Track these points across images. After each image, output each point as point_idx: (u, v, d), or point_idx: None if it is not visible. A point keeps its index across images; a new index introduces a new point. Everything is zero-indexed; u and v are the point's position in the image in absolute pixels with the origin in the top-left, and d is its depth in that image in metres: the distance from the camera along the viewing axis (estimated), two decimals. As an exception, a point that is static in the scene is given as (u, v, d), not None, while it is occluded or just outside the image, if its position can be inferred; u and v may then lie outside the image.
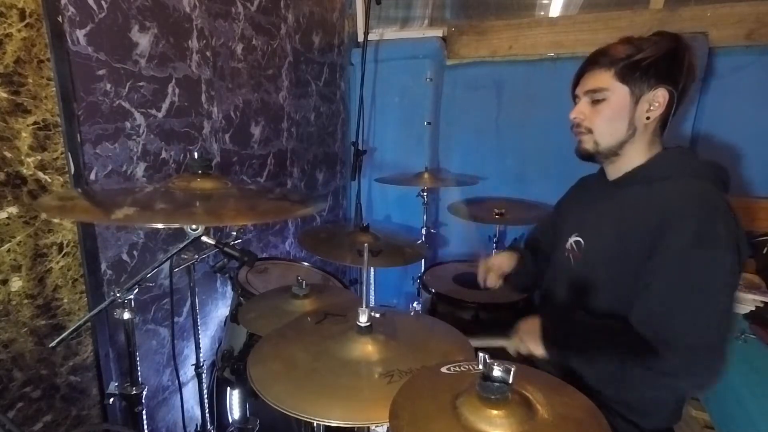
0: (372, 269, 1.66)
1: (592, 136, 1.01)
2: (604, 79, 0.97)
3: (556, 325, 0.99)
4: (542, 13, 2.19)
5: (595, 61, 0.99)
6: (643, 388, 0.92)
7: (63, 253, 1.03)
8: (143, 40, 1.18)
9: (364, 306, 0.86)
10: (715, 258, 0.84)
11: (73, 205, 0.86)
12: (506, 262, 1.29)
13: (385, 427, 0.92)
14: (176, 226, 0.78)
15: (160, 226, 0.82)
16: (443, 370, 0.72)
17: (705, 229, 0.85)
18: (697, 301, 0.85)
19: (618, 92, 0.96)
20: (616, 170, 1.05)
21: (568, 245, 1.11)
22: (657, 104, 0.96)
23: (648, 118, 0.97)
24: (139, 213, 0.79)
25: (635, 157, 1.01)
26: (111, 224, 1.11)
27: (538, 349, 0.97)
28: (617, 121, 0.98)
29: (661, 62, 0.94)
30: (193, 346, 1.38)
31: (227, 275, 1.43)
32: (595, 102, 0.99)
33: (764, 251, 1.58)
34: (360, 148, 2.16)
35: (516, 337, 1.02)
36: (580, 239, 1.07)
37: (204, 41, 1.38)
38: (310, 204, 1.03)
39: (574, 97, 1.06)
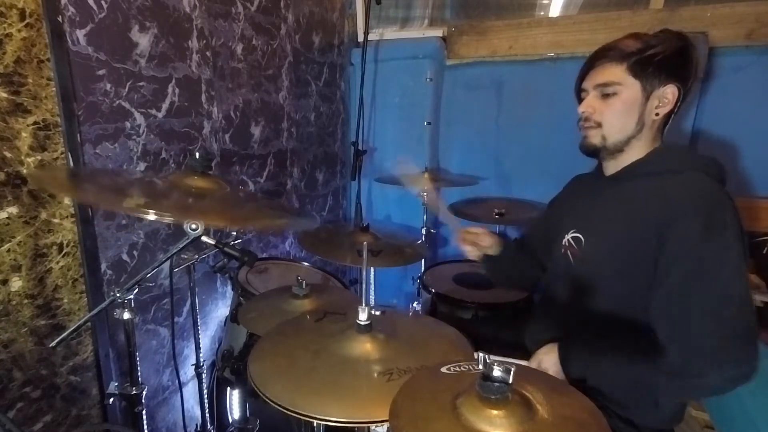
0: (372, 269, 1.66)
1: (600, 131, 1.00)
2: (616, 73, 0.96)
3: (575, 350, 0.96)
4: (542, 13, 2.19)
5: (604, 55, 0.98)
6: (662, 396, 0.92)
7: (63, 253, 1.03)
8: (143, 40, 1.18)
9: (363, 304, 0.86)
10: (725, 244, 0.84)
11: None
12: (488, 238, 1.26)
13: (385, 427, 0.92)
14: (152, 218, 0.77)
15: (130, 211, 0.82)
16: (443, 370, 0.72)
17: (713, 218, 0.85)
18: (711, 291, 0.83)
19: (630, 87, 0.95)
20: (615, 166, 1.04)
21: (564, 242, 1.09)
22: (666, 100, 0.95)
23: (657, 114, 0.97)
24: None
25: (637, 153, 1.01)
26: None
27: (559, 375, 0.94)
28: (628, 116, 0.97)
29: (672, 59, 0.93)
30: (193, 346, 1.38)
31: (227, 275, 1.43)
32: (606, 96, 0.98)
33: (764, 251, 1.58)
34: (360, 148, 2.16)
35: (534, 362, 0.99)
36: (579, 235, 1.06)
37: (204, 41, 1.38)
38: (298, 217, 1.02)
39: (580, 92, 1.04)
